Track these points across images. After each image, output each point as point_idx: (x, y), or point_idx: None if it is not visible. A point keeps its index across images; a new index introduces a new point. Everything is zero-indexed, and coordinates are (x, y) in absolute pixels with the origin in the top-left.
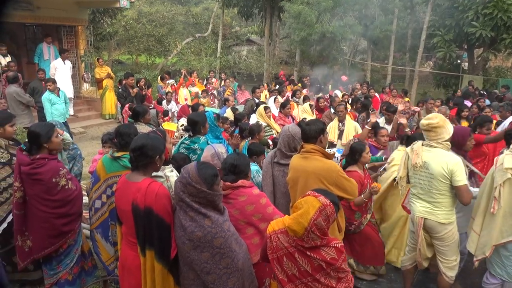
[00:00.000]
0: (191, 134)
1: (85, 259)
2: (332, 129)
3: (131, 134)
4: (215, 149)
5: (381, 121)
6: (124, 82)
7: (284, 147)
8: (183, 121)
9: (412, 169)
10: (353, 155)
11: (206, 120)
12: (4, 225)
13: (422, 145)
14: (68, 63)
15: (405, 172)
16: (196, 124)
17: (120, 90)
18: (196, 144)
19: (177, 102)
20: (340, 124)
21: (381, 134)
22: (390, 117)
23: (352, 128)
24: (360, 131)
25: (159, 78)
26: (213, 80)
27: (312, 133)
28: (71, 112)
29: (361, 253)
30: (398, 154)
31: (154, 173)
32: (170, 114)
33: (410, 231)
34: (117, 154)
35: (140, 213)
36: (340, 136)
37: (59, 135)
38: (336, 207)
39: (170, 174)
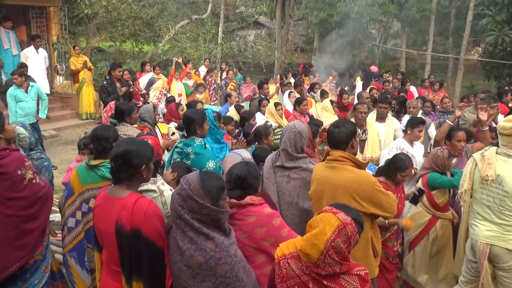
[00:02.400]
0: (185, 135)
1: (53, 280)
2: None
3: (110, 137)
4: (241, 156)
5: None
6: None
7: (290, 147)
8: (174, 127)
9: (480, 182)
10: (388, 167)
11: (205, 119)
12: None
13: (497, 153)
14: (43, 52)
15: (471, 184)
16: (191, 122)
17: (104, 82)
18: (190, 147)
19: None
20: (360, 130)
21: (457, 138)
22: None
23: (376, 137)
24: (382, 139)
25: (151, 68)
26: (205, 69)
27: (343, 137)
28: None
29: None
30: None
31: (145, 187)
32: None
33: (468, 260)
34: (93, 162)
35: (126, 236)
36: (362, 149)
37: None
38: (359, 226)
39: (164, 188)
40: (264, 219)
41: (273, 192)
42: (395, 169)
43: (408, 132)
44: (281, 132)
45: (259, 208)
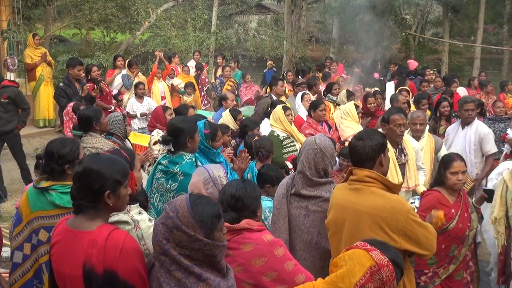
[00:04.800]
0: (172, 150)
1: None
2: None
3: (65, 156)
4: (209, 173)
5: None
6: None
7: (309, 168)
8: (158, 135)
9: None
10: (438, 169)
11: (197, 128)
12: None
13: None
14: None
15: (503, 210)
16: (180, 133)
17: (61, 84)
18: (177, 166)
19: None
20: (395, 150)
21: None
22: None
23: (415, 158)
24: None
25: (126, 63)
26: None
27: (368, 151)
28: None
29: None
30: None
31: (115, 217)
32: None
33: None
34: (43, 184)
35: (98, 280)
36: (402, 176)
37: None
38: (397, 271)
39: (140, 217)
40: (264, 248)
41: (283, 228)
42: (442, 166)
43: None
44: (290, 145)
45: (257, 235)
